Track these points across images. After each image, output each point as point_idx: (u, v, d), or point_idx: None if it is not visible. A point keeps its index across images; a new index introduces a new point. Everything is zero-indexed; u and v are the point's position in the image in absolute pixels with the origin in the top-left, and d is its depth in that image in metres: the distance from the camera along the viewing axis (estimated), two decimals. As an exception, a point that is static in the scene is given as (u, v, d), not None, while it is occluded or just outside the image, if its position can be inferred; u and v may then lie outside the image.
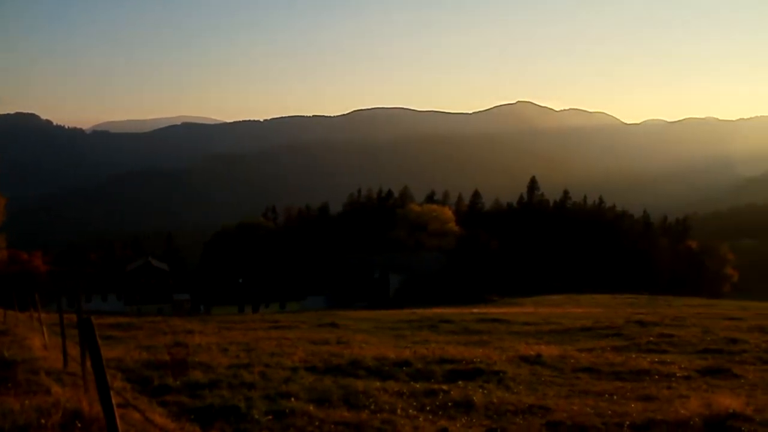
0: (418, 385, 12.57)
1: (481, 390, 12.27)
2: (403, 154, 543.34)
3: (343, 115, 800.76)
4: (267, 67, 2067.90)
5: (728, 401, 10.33)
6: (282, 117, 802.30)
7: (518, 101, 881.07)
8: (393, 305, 67.49)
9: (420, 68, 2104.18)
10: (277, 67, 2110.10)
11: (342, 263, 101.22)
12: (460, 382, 13.06)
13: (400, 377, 13.70)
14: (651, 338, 21.67)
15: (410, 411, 10.67)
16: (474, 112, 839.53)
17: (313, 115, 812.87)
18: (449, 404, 11.10)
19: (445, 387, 12.38)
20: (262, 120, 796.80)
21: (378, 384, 12.57)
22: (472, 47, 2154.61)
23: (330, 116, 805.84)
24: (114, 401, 5.44)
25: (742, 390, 12.71)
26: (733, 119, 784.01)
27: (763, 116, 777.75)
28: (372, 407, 10.83)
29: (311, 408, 10.47)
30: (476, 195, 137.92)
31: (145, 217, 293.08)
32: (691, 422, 9.69)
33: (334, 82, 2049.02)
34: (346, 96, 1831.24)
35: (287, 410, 10.31)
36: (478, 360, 15.66)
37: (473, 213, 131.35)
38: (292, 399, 11.05)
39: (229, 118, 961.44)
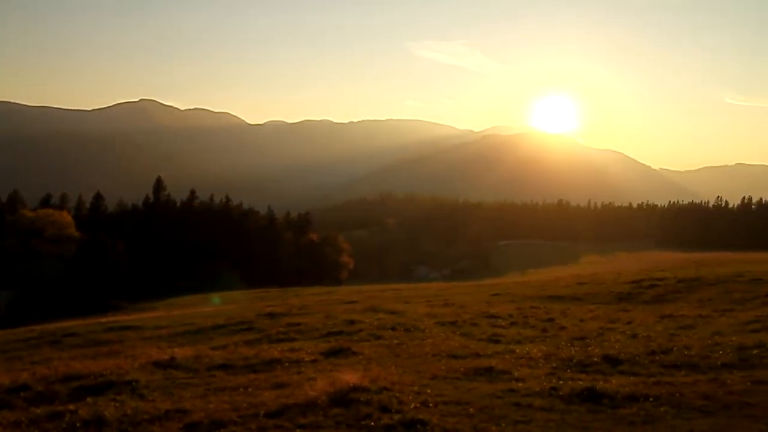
0: (39, 410, 11.40)
1: (113, 403, 11.62)
2: (11, 155, 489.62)
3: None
4: None
5: (349, 377, 11.51)
6: None
7: (141, 99, 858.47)
8: (5, 324, 60.19)
9: (27, 59, 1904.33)
10: None
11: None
12: (89, 399, 12.16)
13: (17, 404, 12.26)
14: (281, 328, 22.61)
15: (30, 440, 9.69)
16: (93, 110, 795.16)
17: None
18: (78, 425, 10.30)
19: (71, 407, 11.42)
20: None
21: (-10, 416, 11.13)
22: (85, 40, 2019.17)
23: None
24: None
25: (360, 365, 14.11)
26: (345, 122, 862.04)
27: (369, 120, 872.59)
28: (-19, 444, 9.59)
29: None
30: (98, 197, 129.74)
31: None
32: (319, 401, 10.59)
33: None
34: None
35: None
36: (108, 372, 14.77)
37: (96, 216, 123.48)
38: None
39: None
